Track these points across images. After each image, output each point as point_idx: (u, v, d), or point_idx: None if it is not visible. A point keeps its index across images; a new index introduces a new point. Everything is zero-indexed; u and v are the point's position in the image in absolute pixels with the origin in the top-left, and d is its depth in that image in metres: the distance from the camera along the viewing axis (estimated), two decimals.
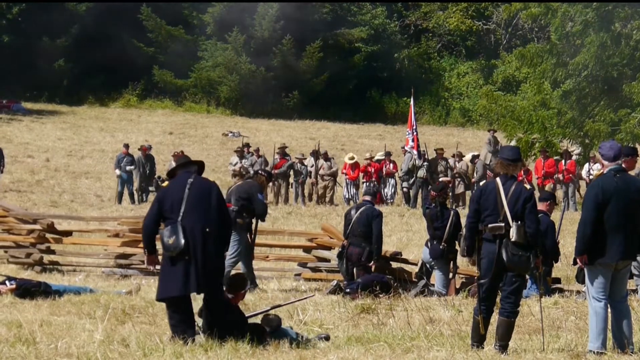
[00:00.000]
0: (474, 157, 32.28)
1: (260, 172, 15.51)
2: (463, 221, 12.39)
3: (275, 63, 54.29)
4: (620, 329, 9.93)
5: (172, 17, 55.72)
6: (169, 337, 10.07)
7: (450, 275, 15.66)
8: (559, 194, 30.37)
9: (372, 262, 15.37)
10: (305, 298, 12.81)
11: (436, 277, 15.67)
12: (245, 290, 10.95)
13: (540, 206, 15.06)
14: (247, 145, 33.22)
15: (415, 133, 31.48)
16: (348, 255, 15.50)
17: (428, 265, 15.91)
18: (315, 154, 31.48)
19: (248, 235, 14.98)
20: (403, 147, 33.50)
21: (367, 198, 16.17)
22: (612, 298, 9.99)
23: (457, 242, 15.50)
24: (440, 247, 15.52)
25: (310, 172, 31.05)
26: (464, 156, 32.00)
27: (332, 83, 55.72)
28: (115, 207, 28.48)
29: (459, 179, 30.86)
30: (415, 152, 30.96)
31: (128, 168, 30.55)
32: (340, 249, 15.76)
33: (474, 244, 10.11)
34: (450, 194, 29.15)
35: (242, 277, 11.46)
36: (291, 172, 30.97)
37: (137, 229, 17.10)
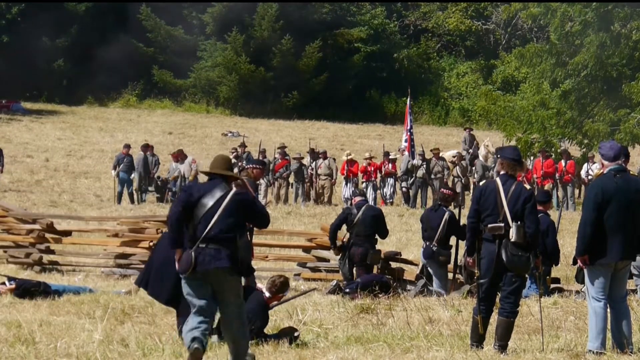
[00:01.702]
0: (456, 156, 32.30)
1: (251, 166, 14.98)
2: (462, 221, 12.38)
3: (274, 63, 54.24)
4: (619, 329, 9.93)
5: (172, 17, 55.67)
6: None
7: (450, 275, 15.65)
8: (558, 194, 30.40)
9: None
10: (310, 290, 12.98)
11: (433, 278, 15.67)
12: (283, 294, 10.93)
13: (539, 207, 15.08)
14: (243, 145, 33.18)
15: (409, 133, 31.46)
16: (350, 256, 15.49)
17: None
18: (313, 154, 31.42)
19: (247, 235, 14.90)
20: (400, 148, 33.53)
21: (360, 198, 16.17)
22: (612, 298, 9.99)
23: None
24: (432, 246, 15.48)
25: (310, 172, 31.00)
26: (463, 156, 31.98)
27: (332, 83, 55.62)
28: (115, 207, 28.46)
29: (457, 179, 30.86)
30: (407, 152, 30.94)
31: (132, 176, 30.54)
32: (342, 250, 15.71)
33: (475, 244, 10.12)
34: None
35: (285, 282, 11.04)
36: (290, 172, 30.93)
37: (136, 229, 17.10)
